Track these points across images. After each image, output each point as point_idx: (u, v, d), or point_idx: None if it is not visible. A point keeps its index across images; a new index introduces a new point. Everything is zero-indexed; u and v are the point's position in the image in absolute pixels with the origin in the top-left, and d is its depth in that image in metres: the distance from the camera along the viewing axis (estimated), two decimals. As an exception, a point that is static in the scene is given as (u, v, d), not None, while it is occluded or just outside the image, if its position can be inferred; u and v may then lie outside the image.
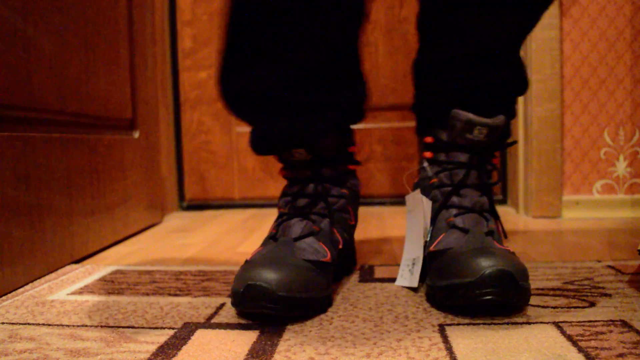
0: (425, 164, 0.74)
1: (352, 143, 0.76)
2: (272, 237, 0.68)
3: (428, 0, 0.74)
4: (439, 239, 0.66)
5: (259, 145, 0.72)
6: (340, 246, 0.70)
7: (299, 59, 0.64)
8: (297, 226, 0.67)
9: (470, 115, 0.67)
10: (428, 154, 0.73)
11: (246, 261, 0.64)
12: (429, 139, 0.73)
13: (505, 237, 0.71)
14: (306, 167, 0.70)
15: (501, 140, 0.71)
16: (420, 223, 0.70)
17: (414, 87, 0.77)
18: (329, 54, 0.66)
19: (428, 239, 0.69)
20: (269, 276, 0.57)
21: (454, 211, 0.68)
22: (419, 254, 0.69)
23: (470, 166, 0.69)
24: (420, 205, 0.71)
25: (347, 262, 0.78)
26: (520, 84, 0.72)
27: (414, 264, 0.70)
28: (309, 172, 0.70)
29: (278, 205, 0.73)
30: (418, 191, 0.72)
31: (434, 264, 0.64)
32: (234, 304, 0.60)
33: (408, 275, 0.70)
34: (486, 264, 0.56)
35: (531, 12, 0.70)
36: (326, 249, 0.66)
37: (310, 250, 0.65)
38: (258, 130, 0.71)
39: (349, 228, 0.75)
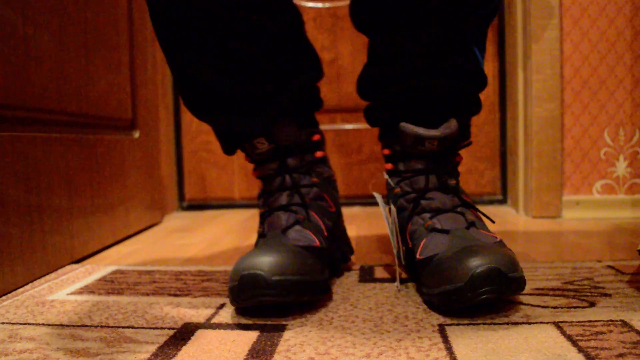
0: (386, 176, 0.75)
1: (316, 131, 0.76)
2: (261, 236, 0.69)
3: (360, 9, 0.74)
4: (422, 245, 0.65)
5: (223, 144, 0.75)
6: (325, 233, 0.70)
7: (241, 54, 0.68)
8: (281, 218, 0.68)
9: (418, 130, 0.67)
10: (388, 166, 0.74)
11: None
12: (386, 151, 0.74)
13: (492, 221, 0.70)
14: (271, 159, 0.72)
15: (457, 142, 0.71)
16: (391, 229, 0.72)
17: (363, 100, 0.78)
18: (270, 45, 0.69)
19: (399, 245, 0.70)
20: (261, 263, 0.57)
21: (427, 215, 0.67)
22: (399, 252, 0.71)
23: (428, 172, 0.69)
24: (386, 212, 0.72)
25: (341, 251, 0.79)
26: (473, 83, 0.71)
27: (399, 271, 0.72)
28: (275, 165, 0.72)
29: (259, 207, 0.74)
30: (381, 198, 0.73)
31: (425, 272, 0.64)
32: (232, 301, 0.60)
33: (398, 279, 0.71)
34: (474, 264, 0.56)
35: (464, 23, 0.68)
36: (313, 235, 0.67)
37: (300, 237, 0.66)
38: (218, 129, 0.75)
39: (331, 215, 0.75)
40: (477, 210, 0.69)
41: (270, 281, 0.56)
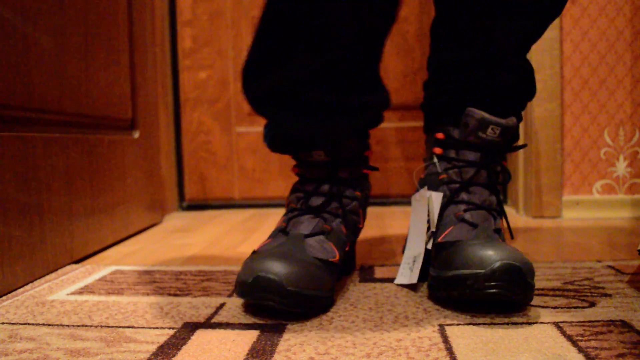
0: (435, 160, 0.74)
1: (368, 147, 0.75)
2: (282, 231, 0.67)
3: (444, 6, 0.75)
4: (448, 231, 0.66)
5: (278, 143, 0.72)
6: (347, 248, 0.70)
7: (325, 59, 0.63)
8: (308, 223, 0.67)
9: (485, 114, 0.67)
10: (438, 150, 0.73)
11: (254, 252, 0.64)
12: (440, 135, 0.73)
13: (512, 237, 0.71)
14: (323, 168, 0.70)
15: (511, 141, 0.72)
16: (423, 220, 0.70)
17: (425, 85, 0.78)
18: (357, 55, 0.65)
19: (435, 230, 0.69)
20: (278, 269, 0.56)
21: (462, 206, 0.68)
22: (421, 251, 0.69)
23: (481, 165, 0.69)
24: (424, 202, 0.71)
25: (348, 264, 0.78)
26: (530, 88, 0.74)
27: (414, 261, 0.70)
28: (325, 173, 0.70)
29: (287, 200, 0.72)
30: (425, 189, 0.72)
31: (441, 254, 0.64)
32: (240, 294, 0.59)
33: (408, 272, 0.70)
34: (496, 257, 0.56)
35: (540, 18, 0.71)
36: (335, 249, 0.66)
37: (320, 249, 0.65)
38: (278, 128, 0.71)
39: (357, 230, 0.75)
40: (507, 221, 0.70)
41: (285, 291, 0.56)
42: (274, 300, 0.56)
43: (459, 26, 0.73)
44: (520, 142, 1.36)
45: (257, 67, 0.66)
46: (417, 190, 0.75)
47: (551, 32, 1.26)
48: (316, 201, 0.69)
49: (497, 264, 0.56)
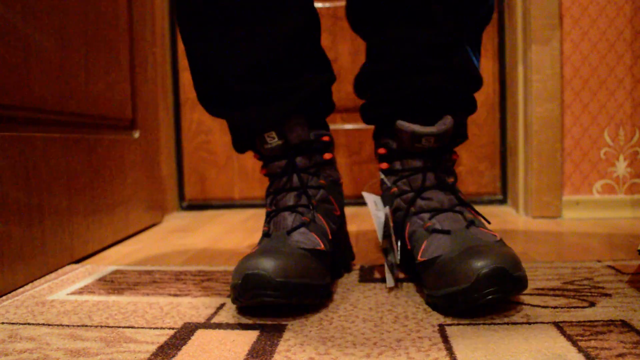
0: (382, 176, 0.74)
1: (326, 133, 0.76)
2: (265, 235, 0.69)
3: (355, 21, 0.76)
4: (423, 247, 0.65)
5: (235, 139, 0.76)
6: (330, 237, 0.70)
7: (258, 50, 0.69)
8: (287, 219, 0.68)
9: (415, 127, 0.67)
10: (384, 165, 0.74)
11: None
12: (381, 151, 0.74)
13: (488, 222, 0.69)
14: (280, 157, 0.72)
15: (454, 139, 0.71)
16: (380, 236, 0.72)
17: (359, 98, 0.79)
18: (287, 42, 0.70)
19: (395, 252, 0.70)
20: (265, 264, 0.57)
21: (426, 216, 0.67)
22: (396, 259, 0.70)
23: (426, 170, 0.69)
24: (376, 219, 0.72)
25: (343, 256, 0.79)
26: (468, 82, 0.72)
27: (392, 268, 0.71)
28: (284, 163, 0.72)
29: (265, 205, 0.74)
30: (375, 208, 0.73)
31: (427, 273, 0.63)
32: (234, 299, 0.60)
33: (389, 277, 0.70)
34: (479, 265, 0.56)
35: (458, 24, 0.70)
36: (318, 238, 0.66)
37: (304, 240, 0.65)
38: (231, 123, 0.75)
39: (336, 218, 0.75)
40: (474, 209, 0.69)
41: (274, 282, 0.56)
42: (267, 295, 0.56)
43: (371, 39, 0.74)
44: (521, 141, 1.37)
45: (197, 70, 0.73)
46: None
47: (551, 32, 1.26)
48: (286, 197, 0.71)
49: (482, 272, 0.55)
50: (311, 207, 0.70)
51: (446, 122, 0.68)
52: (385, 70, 0.71)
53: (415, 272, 0.69)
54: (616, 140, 1.28)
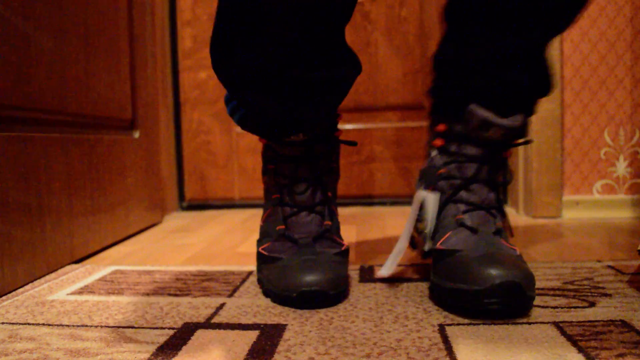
0: (434, 153, 0.72)
1: (338, 114, 0.74)
2: (284, 235, 0.70)
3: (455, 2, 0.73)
4: (447, 236, 0.65)
5: (254, 125, 0.70)
6: (337, 214, 0.75)
7: (295, 33, 0.62)
8: (310, 225, 0.70)
9: (487, 114, 0.65)
10: (439, 142, 0.71)
11: (267, 257, 0.70)
12: (441, 127, 0.71)
13: (512, 235, 0.70)
14: (298, 146, 0.70)
15: (518, 138, 0.70)
16: (411, 220, 0.71)
17: (433, 73, 0.76)
18: (326, 26, 0.64)
19: (431, 232, 0.68)
20: (319, 281, 0.63)
21: (462, 207, 0.67)
22: (402, 248, 0.70)
23: (483, 161, 0.68)
24: (416, 203, 0.71)
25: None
26: (544, 86, 0.71)
27: (397, 256, 0.70)
28: (302, 150, 0.70)
29: (264, 179, 0.75)
30: (421, 190, 0.71)
31: (441, 263, 0.63)
32: (283, 304, 0.65)
33: (389, 264, 0.69)
34: (495, 274, 0.56)
35: (555, 24, 0.69)
36: (339, 240, 0.71)
37: (331, 245, 0.70)
38: (256, 111, 0.68)
39: (336, 180, 0.78)
40: (506, 218, 0.69)
41: (330, 294, 0.63)
42: (324, 306, 0.64)
43: (470, 20, 0.70)
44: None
45: (225, 44, 0.65)
46: (418, 181, 0.74)
47: (551, 32, 1.26)
48: (301, 190, 0.71)
49: (497, 281, 0.55)
50: (326, 202, 0.72)
51: (518, 119, 0.67)
52: (477, 56, 0.69)
53: (424, 257, 0.69)
54: (616, 140, 1.28)
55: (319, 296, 0.62)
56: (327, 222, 0.71)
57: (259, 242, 0.74)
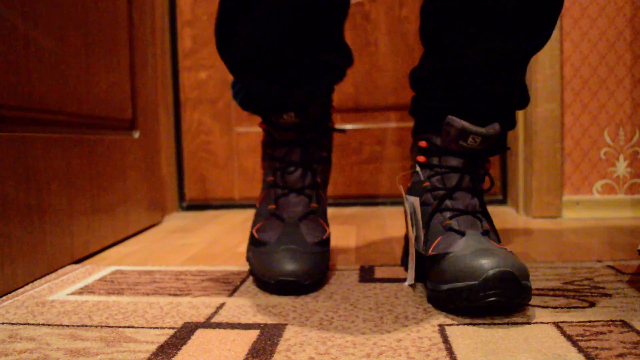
0: (418, 169, 0.74)
1: (331, 104, 0.82)
2: (275, 215, 0.75)
3: (429, 15, 0.75)
4: (436, 242, 0.66)
5: (251, 104, 0.79)
6: (324, 196, 0.79)
7: (291, 19, 0.69)
8: (298, 205, 0.75)
9: (465, 124, 0.67)
10: (421, 159, 0.74)
11: (258, 240, 0.74)
12: (422, 144, 0.74)
13: (499, 240, 0.70)
14: (291, 130, 0.76)
15: (496, 147, 0.72)
16: (408, 224, 0.72)
17: (413, 91, 0.79)
18: (322, 14, 0.71)
19: (420, 236, 0.69)
20: (294, 272, 0.68)
21: (447, 214, 0.68)
22: (412, 251, 0.71)
23: (464, 171, 0.69)
24: (407, 206, 0.72)
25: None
26: (520, 99, 0.73)
27: (414, 260, 0.71)
28: (294, 135, 0.76)
29: (262, 164, 0.80)
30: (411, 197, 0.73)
31: (434, 268, 0.64)
32: (263, 289, 0.71)
33: (411, 272, 0.71)
34: (488, 266, 0.56)
35: (534, 35, 0.70)
36: (324, 224, 0.75)
37: (313, 232, 0.74)
38: (252, 91, 0.77)
39: (327, 167, 0.82)
40: (491, 222, 0.70)
41: (304, 284, 0.69)
42: (299, 293, 0.69)
43: (445, 34, 0.73)
44: (520, 141, 1.37)
45: (227, 29, 0.72)
46: (405, 195, 0.75)
47: (551, 32, 1.26)
48: (293, 174, 0.76)
49: (490, 273, 0.56)
50: (316, 186, 0.77)
51: (495, 127, 0.68)
52: (450, 68, 0.71)
53: (421, 268, 0.69)
54: (616, 140, 1.28)
55: (294, 285, 0.68)
56: (314, 204, 0.76)
57: (253, 223, 0.79)
